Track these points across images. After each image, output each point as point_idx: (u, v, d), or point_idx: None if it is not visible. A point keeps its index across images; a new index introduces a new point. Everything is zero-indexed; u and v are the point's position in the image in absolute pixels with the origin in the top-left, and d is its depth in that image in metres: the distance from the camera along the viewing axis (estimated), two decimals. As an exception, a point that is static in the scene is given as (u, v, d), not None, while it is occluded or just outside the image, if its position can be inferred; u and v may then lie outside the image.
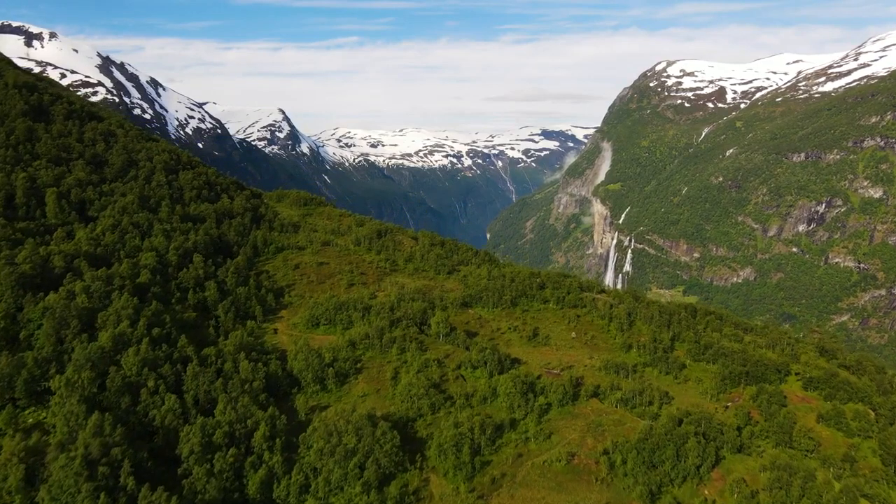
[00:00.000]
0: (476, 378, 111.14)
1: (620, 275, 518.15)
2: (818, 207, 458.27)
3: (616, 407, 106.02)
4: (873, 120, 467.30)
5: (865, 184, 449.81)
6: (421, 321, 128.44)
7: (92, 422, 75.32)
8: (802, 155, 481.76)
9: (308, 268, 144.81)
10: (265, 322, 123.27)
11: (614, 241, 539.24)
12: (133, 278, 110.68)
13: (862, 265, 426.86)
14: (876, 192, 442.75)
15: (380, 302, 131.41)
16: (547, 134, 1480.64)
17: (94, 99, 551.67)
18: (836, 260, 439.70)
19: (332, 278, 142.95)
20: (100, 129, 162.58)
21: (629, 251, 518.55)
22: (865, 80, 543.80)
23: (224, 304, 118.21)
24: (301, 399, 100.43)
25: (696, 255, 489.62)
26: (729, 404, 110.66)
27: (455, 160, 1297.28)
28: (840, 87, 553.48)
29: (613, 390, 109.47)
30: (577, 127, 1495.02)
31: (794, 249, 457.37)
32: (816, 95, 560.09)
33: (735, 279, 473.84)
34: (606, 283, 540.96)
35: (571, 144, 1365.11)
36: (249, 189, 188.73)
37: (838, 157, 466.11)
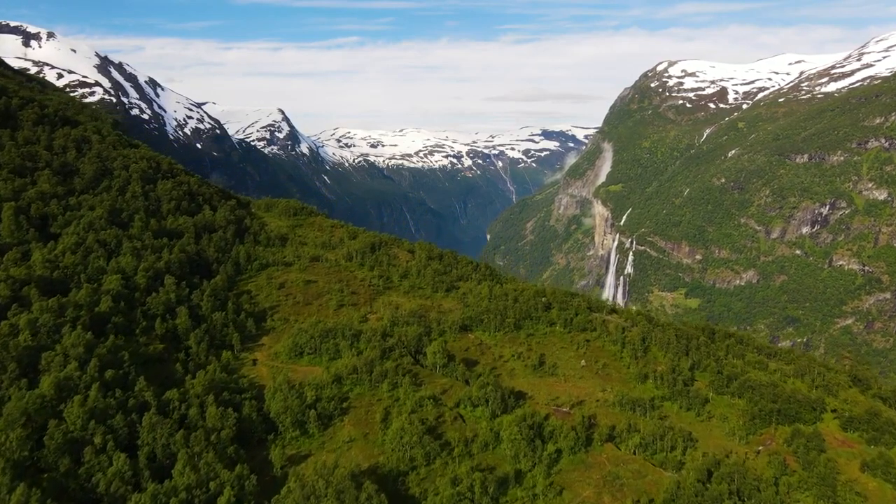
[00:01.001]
0: (477, 419, 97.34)
1: (622, 277, 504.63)
2: (822, 209, 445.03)
3: (635, 454, 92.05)
4: (878, 121, 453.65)
5: (870, 185, 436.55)
6: (416, 349, 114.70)
7: (16, 496, 61.39)
8: (806, 156, 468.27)
9: (294, 287, 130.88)
10: (244, 351, 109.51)
11: (615, 243, 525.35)
12: (91, 307, 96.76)
13: (866, 268, 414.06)
14: (881, 194, 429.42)
15: (371, 327, 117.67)
16: (547, 134, 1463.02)
17: (90, 99, 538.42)
18: (841, 262, 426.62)
19: (321, 299, 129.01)
20: (72, 136, 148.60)
21: (630, 253, 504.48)
22: (869, 81, 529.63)
23: (197, 333, 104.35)
24: (277, 449, 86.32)
25: (699, 257, 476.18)
26: (760, 448, 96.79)
27: (455, 160, 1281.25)
28: (843, 88, 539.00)
29: (631, 432, 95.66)
30: (577, 127, 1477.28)
31: (798, 252, 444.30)
32: (819, 96, 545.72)
33: (738, 282, 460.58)
34: (608, 284, 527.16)
35: (572, 145, 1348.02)
36: (236, 198, 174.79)
37: (842, 158, 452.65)
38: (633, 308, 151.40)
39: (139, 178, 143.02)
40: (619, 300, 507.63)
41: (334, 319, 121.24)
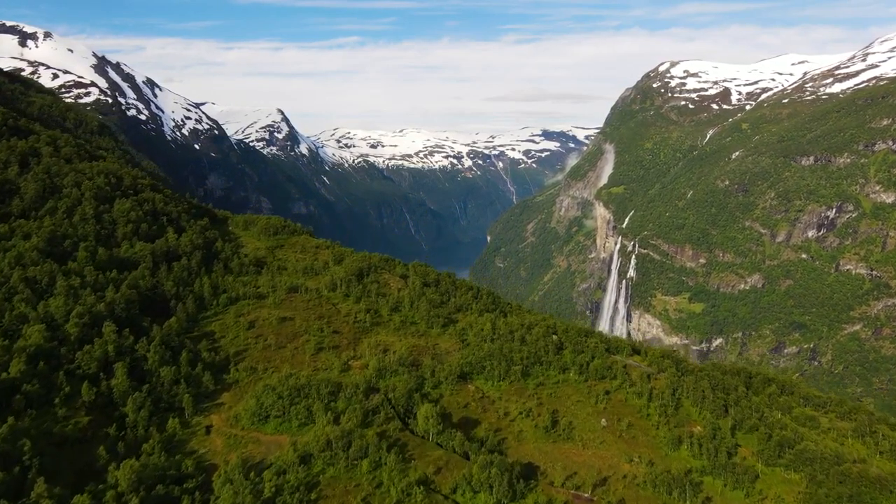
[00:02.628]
0: (478, 511, 75.88)
1: (624, 280, 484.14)
2: (828, 212, 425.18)
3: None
4: (885, 122, 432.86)
5: (877, 188, 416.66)
6: (406, 408, 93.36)
7: None
8: (811, 158, 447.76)
9: (267, 326, 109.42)
10: (197, 414, 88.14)
11: (618, 246, 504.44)
12: (-4, 373, 75.27)
13: (874, 272, 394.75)
14: (888, 197, 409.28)
15: (353, 381, 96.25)
16: (548, 134, 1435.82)
17: (86, 100, 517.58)
18: (848, 267, 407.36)
19: (297, 340, 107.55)
20: (18, 149, 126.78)
21: (633, 256, 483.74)
22: (874, 82, 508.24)
23: (137, 397, 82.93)
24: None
25: (703, 260, 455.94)
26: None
27: (455, 161, 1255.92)
28: (848, 89, 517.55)
29: (670, 529, 74.20)
30: (577, 127, 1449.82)
31: (804, 256, 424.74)
32: (824, 97, 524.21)
33: (742, 286, 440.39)
34: (609, 288, 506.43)
35: (572, 145, 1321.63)
36: (212, 215, 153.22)
37: (849, 160, 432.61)
38: (656, 348, 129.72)
39: (92, 198, 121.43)
40: (622, 304, 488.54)
41: (310, 368, 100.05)
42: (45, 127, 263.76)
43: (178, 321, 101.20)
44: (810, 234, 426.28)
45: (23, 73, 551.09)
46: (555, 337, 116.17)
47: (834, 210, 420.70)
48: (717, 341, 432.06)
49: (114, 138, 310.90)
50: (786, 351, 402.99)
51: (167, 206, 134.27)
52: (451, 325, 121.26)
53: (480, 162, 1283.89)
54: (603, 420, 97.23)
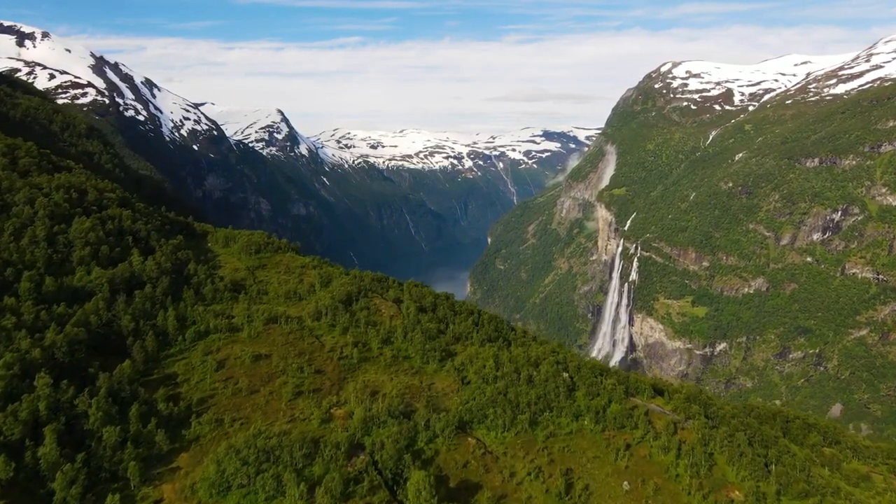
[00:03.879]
0: None
1: (626, 283, 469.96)
2: (833, 215, 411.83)
3: None
4: (891, 124, 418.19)
5: (884, 191, 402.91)
6: (395, 472, 77.67)
7: None
8: (816, 160, 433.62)
9: (238, 366, 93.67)
10: (146, 483, 72.41)
11: (620, 249, 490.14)
12: None
13: (881, 276, 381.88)
14: (895, 200, 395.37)
15: (334, 438, 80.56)
16: (548, 135, 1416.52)
17: (82, 101, 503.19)
18: (854, 271, 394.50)
19: (272, 383, 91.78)
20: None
21: (635, 259, 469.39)
22: (879, 82, 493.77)
23: (68, 470, 67.14)
24: None
25: (706, 263, 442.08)
26: None
27: (455, 161, 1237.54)
28: (852, 90, 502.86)
29: None
30: (578, 128, 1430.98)
31: (809, 259, 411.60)
32: (828, 98, 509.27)
33: (746, 289, 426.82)
34: (611, 291, 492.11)
35: (573, 146, 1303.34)
36: (188, 230, 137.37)
37: (854, 162, 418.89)
38: (682, 385, 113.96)
39: (47, 217, 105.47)
40: (623, 307, 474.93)
41: (286, 419, 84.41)
42: (28, 131, 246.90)
43: (132, 364, 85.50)
44: (815, 237, 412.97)
45: (19, 74, 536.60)
46: (565, 375, 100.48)
47: (839, 213, 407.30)
48: (721, 346, 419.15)
49: (103, 141, 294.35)
50: (791, 356, 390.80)
51: (135, 223, 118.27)
52: (448, 360, 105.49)
53: (481, 162, 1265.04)
54: (625, 483, 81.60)
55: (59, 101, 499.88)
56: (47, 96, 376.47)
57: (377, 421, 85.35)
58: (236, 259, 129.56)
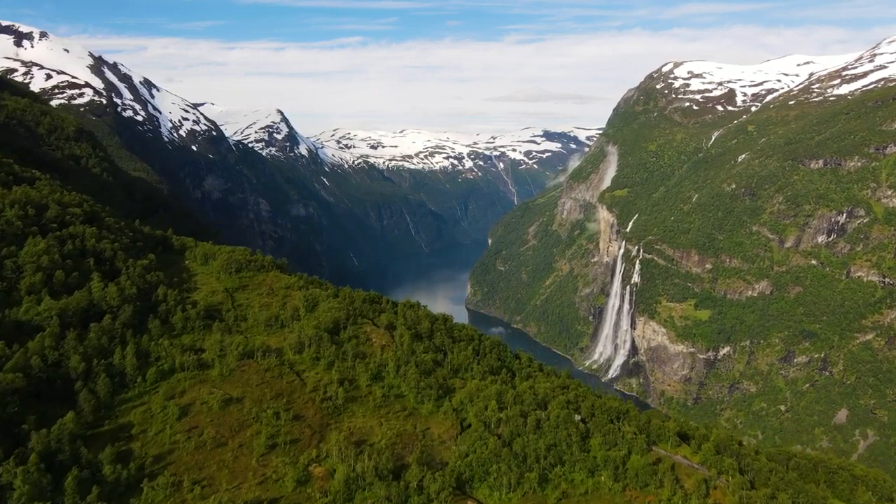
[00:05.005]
0: None
1: (628, 286, 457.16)
2: (838, 217, 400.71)
3: None
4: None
5: (889, 193, 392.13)
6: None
7: None
8: (821, 161, 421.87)
9: (205, 413, 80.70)
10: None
11: (621, 251, 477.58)
12: None
13: (887, 280, 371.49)
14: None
15: None
16: (549, 135, 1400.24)
17: (79, 101, 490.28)
18: (859, 274, 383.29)
19: (243, 433, 78.85)
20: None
21: (637, 261, 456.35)
22: (883, 83, 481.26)
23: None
24: None
25: (709, 266, 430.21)
26: None
27: (456, 162, 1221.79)
28: (856, 90, 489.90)
29: None
30: (579, 128, 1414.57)
31: (814, 262, 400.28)
32: (832, 98, 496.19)
33: (750, 293, 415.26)
34: (613, 293, 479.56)
35: (574, 146, 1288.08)
36: (165, 245, 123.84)
37: (859, 164, 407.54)
38: (708, 428, 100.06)
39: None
40: (625, 310, 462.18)
41: (255, 481, 71.13)
42: (12, 134, 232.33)
43: (78, 416, 72.16)
44: (820, 239, 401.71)
45: (16, 74, 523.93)
46: (578, 418, 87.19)
47: (844, 215, 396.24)
48: (725, 350, 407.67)
49: (93, 144, 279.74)
50: (796, 360, 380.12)
51: (100, 242, 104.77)
52: (446, 399, 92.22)
53: (481, 163, 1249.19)
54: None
55: (56, 102, 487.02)
56: (39, 97, 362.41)
57: (362, 482, 72.59)
58: (215, 279, 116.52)
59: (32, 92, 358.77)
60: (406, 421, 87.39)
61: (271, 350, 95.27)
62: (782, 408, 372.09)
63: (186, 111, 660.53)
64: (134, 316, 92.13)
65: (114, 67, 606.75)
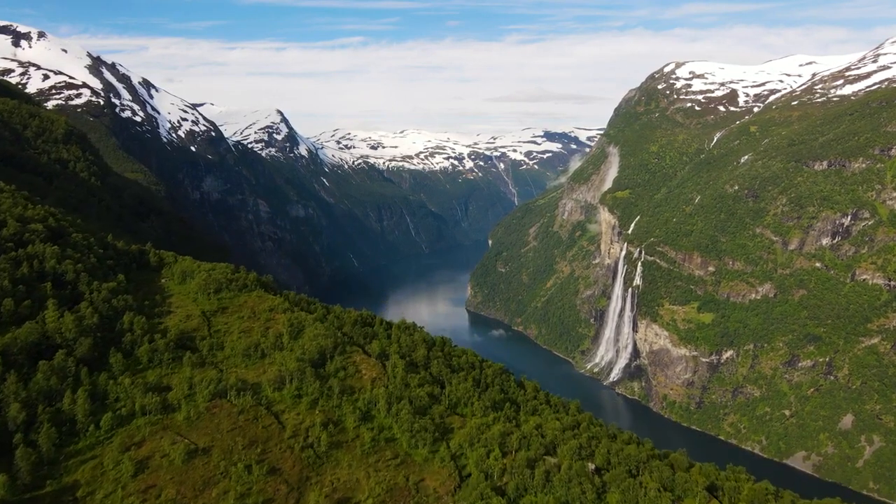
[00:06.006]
0: None
1: (630, 288, 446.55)
2: (843, 220, 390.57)
3: None
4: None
5: (894, 195, 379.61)
6: None
7: None
8: (825, 163, 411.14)
9: (165, 469, 69.21)
10: None
11: (623, 252, 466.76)
12: None
13: (892, 283, 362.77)
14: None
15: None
16: (550, 136, 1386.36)
17: (77, 102, 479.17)
18: (864, 277, 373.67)
19: (208, 492, 67.40)
20: None
21: (639, 263, 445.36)
22: (887, 84, 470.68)
23: None
24: None
25: (711, 268, 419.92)
26: None
27: (456, 162, 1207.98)
28: (860, 91, 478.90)
29: None
30: (580, 128, 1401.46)
31: (818, 265, 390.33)
32: (835, 99, 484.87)
33: (753, 295, 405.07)
34: (615, 296, 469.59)
35: (575, 146, 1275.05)
36: (140, 262, 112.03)
37: (864, 165, 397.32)
38: (737, 475, 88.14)
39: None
40: (627, 312, 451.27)
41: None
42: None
43: (12, 478, 60.24)
44: (824, 241, 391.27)
45: (13, 74, 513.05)
46: (591, 467, 75.53)
47: (849, 217, 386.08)
48: (728, 353, 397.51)
49: (83, 146, 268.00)
50: (800, 364, 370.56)
51: (62, 262, 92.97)
52: (443, 443, 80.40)
53: (482, 163, 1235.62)
54: None
55: (53, 103, 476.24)
56: (32, 99, 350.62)
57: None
58: (192, 301, 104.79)
59: (24, 93, 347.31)
60: (398, 471, 76.02)
61: (248, 386, 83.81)
62: (787, 412, 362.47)
63: (185, 111, 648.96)
64: (93, 349, 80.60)
65: (112, 68, 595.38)
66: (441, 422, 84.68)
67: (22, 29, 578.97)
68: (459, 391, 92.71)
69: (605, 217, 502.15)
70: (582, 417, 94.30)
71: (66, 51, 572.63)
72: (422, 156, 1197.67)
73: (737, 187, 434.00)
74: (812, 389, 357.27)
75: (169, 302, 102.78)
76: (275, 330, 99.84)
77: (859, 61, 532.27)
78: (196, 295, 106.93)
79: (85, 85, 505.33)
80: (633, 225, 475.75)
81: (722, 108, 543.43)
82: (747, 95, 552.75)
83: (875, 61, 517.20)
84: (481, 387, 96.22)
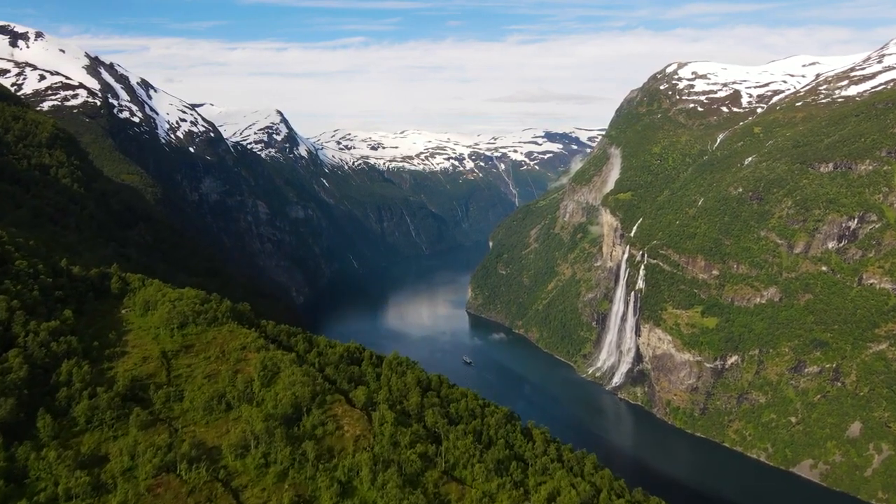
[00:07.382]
0: None
1: (633, 292, 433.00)
2: (849, 223, 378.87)
3: None
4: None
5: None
6: None
7: None
8: (830, 165, 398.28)
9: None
10: None
11: (625, 255, 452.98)
12: None
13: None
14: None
15: None
16: (550, 136, 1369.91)
17: (73, 103, 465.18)
18: (871, 281, 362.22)
19: None
20: None
21: (642, 266, 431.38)
22: (893, 84, 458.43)
23: None
24: None
25: (715, 272, 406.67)
26: None
27: (457, 162, 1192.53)
28: (865, 91, 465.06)
29: None
30: (580, 129, 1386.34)
31: (824, 268, 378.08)
32: (840, 100, 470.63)
33: (758, 300, 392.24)
34: (617, 299, 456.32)
35: (575, 147, 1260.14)
36: (97, 290, 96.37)
37: (870, 167, 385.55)
38: None
39: None
40: (630, 316, 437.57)
41: None
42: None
43: None
44: (830, 245, 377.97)
45: (9, 75, 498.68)
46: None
47: (855, 220, 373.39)
48: (733, 359, 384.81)
49: (69, 150, 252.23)
50: (806, 370, 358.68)
51: (12, 300, 77.06)
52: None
53: (482, 164, 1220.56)
54: None
55: (49, 104, 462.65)
56: (21, 100, 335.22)
57: None
58: (151, 339, 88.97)
59: (12, 94, 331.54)
60: (381, 567, 60.69)
61: (205, 452, 68.35)
62: (793, 419, 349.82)
63: (184, 112, 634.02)
64: (17, 411, 65.10)
65: (110, 68, 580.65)
66: (436, 492, 69.59)
67: (19, 29, 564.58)
68: (458, 449, 77.56)
69: (607, 219, 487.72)
70: (601, 482, 79.26)
71: (63, 51, 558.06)
72: (422, 156, 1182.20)
73: (741, 189, 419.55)
74: (819, 396, 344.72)
75: (125, 340, 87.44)
76: (245, 375, 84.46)
77: (864, 62, 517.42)
78: (158, 330, 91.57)
79: (82, 85, 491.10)
80: (635, 227, 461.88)
81: (725, 109, 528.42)
82: (750, 96, 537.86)
83: (880, 62, 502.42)
84: (483, 442, 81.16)
